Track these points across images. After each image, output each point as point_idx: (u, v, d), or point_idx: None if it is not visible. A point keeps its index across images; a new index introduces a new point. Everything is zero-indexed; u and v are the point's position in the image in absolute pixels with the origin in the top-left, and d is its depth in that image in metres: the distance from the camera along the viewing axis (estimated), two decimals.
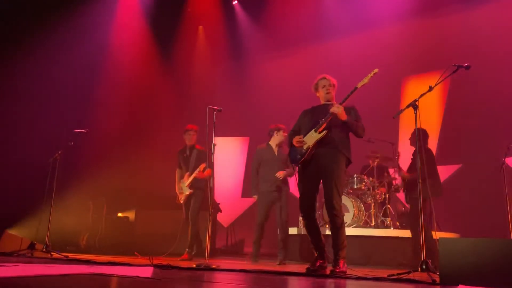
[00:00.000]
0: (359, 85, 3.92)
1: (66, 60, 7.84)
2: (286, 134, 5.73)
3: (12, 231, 6.54)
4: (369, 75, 3.91)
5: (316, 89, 4.28)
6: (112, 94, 8.38)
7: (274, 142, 5.91)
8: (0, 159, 7.21)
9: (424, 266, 3.49)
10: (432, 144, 6.37)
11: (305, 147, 4.04)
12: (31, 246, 5.49)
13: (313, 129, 4.04)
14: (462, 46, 7.57)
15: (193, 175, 6.06)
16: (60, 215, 6.00)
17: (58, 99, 7.76)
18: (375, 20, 8.45)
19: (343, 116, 3.91)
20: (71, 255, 5.40)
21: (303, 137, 4.09)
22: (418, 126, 3.81)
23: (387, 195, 6.65)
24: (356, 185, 6.59)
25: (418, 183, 3.84)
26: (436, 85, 3.88)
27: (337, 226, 3.89)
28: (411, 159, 5.67)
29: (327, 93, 4.20)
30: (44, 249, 5.36)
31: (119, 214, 8.14)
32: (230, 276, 3.56)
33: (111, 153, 7.88)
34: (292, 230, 6.80)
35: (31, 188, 6.67)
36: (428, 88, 3.86)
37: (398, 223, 6.55)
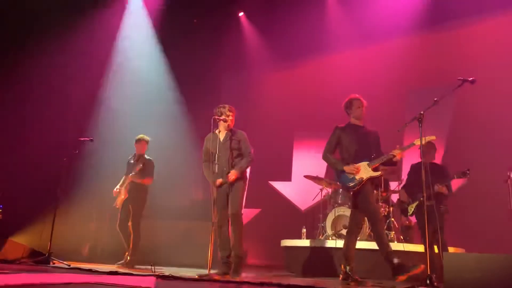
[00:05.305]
0: (416, 142, 4.08)
1: (73, 67, 7.91)
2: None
3: (15, 239, 6.54)
4: (428, 139, 4.07)
5: (349, 108, 4.52)
6: (118, 102, 8.43)
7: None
8: (5, 167, 7.25)
9: (428, 281, 3.47)
10: (438, 157, 6.34)
11: (357, 177, 4.26)
12: (34, 254, 5.47)
13: (366, 162, 4.30)
14: (468, 59, 7.56)
15: (130, 179, 6.09)
16: (63, 223, 6.01)
17: (65, 107, 7.80)
18: (381, 33, 8.48)
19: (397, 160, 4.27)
20: (73, 264, 5.38)
21: (355, 164, 4.31)
22: (423, 140, 3.81)
23: (391, 208, 6.60)
24: None
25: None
26: (441, 98, 3.89)
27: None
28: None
29: (362, 113, 4.51)
30: (46, 257, 5.35)
31: None
32: None
33: (115, 161, 7.89)
34: (292, 243, 6.75)
35: (35, 196, 6.68)
36: (433, 102, 3.87)
37: (402, 237, 6.49)
